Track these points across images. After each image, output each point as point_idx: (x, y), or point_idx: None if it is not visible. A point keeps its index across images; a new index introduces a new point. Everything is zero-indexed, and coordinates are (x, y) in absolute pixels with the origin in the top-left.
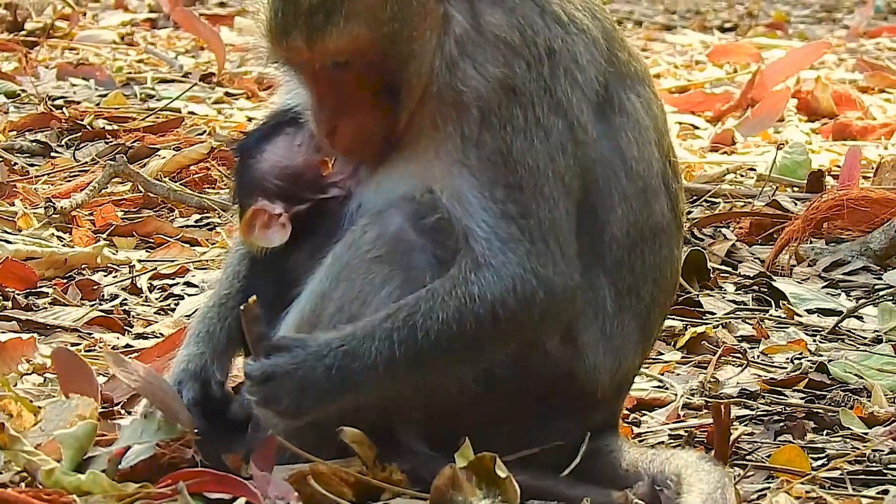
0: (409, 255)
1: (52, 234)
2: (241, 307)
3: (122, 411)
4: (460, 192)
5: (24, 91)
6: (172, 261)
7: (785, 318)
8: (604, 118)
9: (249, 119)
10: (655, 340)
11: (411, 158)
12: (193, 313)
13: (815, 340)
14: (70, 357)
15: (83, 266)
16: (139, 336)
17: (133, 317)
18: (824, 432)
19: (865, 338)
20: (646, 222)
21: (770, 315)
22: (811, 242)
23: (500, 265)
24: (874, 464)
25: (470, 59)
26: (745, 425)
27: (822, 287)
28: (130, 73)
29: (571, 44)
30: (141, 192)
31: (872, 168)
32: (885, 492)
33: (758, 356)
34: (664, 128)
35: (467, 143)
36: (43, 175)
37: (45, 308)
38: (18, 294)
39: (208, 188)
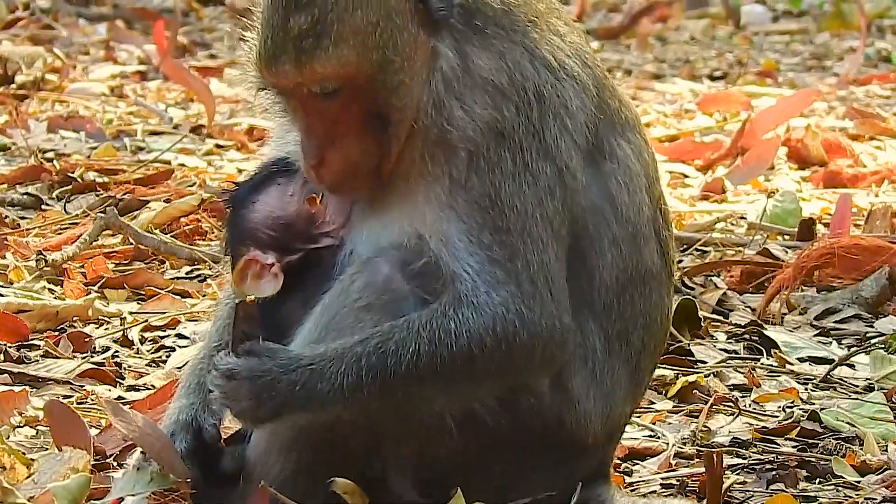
0: (399, 303)
1: (44, 286)
2: (237, 302)
3: (115, 464)
4: (448, 237)
5: (14, 144)
6: (163, 313)
7: (776, 366)
8: (594, 164)
9: (240, 170)
10: (646, 388)
11: (400, 202)
12: (184, 365)
13: (806, 389)
14: (62, 410)
15: (75, 318)
16: (131, 388)
17: (125, 369)
18: (817, 481)
19: (857, 386)
20: (635, 268)
21: (761, 363)
22: (802, 291)
23: (482, 304)
24: None
25: (457, 99)
26: (738, 474)
27: (814, 335)
28: (121, 125)
29: (561, 90)
30: (132, 244)
31: (863, 216)
32: None
33: (749, 405)
34: (655, 175)
35: (455, 185)
36: (34, 228)
37: (37, 361)
38: (10, 347)
39: (199, 240)
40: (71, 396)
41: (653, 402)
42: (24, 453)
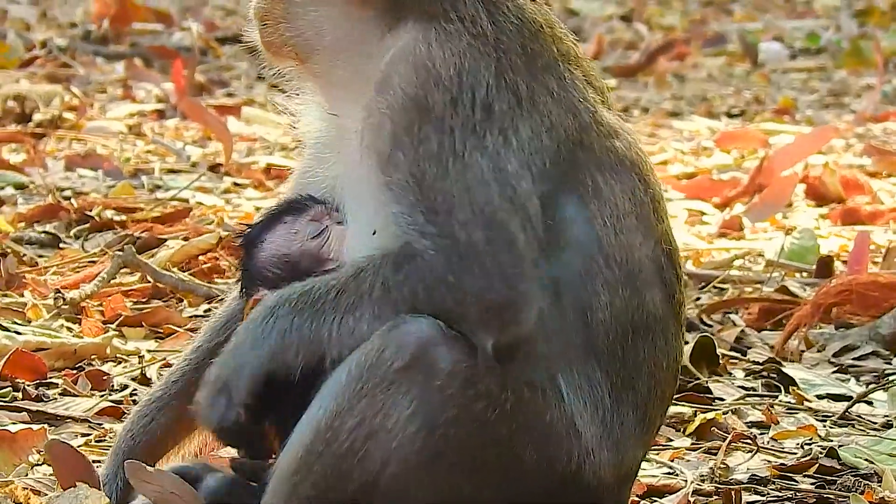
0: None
1: (62, 324)
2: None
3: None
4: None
5: (32, 182)
6: (181, 351)
7: (795, 403)
8: (573, 201)
9: (257, 209)
10: (658, 431)
11: (367, 188)
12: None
13: (825, 426)
14: (65, 449)
15: (93, 357)
16: None
17: None
18: None
19: (876, 423)
20: (637, 312)
21: (780, 401)
22: (820, 328)
23: (420, 253)
24: None
25: (397, 74)
26: None
27: (832, 372)
28: (138, 163)
29: (515, 117)
30: (150, 282)
31: (881, 253)
32: None
33: (768, 442)
34: (657, 215)
35: (386, 163)
36: (52, 266)
37: (55, 399)
38: (28, 385)
39: (217, 278)
40: (89, 435)
41: (671, 440)
42: (41, 492)
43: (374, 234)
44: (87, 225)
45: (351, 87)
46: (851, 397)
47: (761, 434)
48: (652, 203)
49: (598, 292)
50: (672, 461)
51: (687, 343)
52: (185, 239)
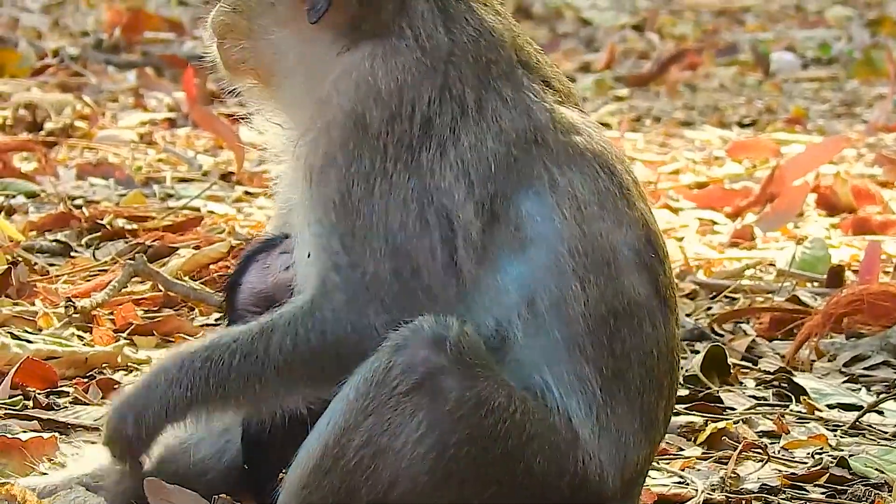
0: None
1: (73, 333)
2: None
3: None
4: (304, 240)
5: (43, 191)
6: None
7: (805, 413)
8: (529, 197)
9: (269, 217)
10: (665, 427)
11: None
12: None
13: (835, 435)
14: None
15: (104, 365)
16: None
17: None
18: None
19: (886, 432)
20: (615, 298)
21: (790, 410)
22: (831, 337)
23: (318, 308)
24: None
25: (337, 90)
26: None
27: (843, 382)
28: (150, 172)
29: (460, 128)
30: (161, 291)
31: (892, 263)
32: None
33: (778, 451)
34: (628, 201)
35: (314, 179)
36: (63, 275)
37: (66, 407)
38: (39, 393)
39: (216, 292)
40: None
41: (682, 449)
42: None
43: (308, 257)
44: (99, 233)
45: (304, 108)
46: (862, 407)
47: (772, 443)
48: (620, 190)
49: (569, 284)
50: (683, 470)
51: (698, 352)
52: (197, 248)
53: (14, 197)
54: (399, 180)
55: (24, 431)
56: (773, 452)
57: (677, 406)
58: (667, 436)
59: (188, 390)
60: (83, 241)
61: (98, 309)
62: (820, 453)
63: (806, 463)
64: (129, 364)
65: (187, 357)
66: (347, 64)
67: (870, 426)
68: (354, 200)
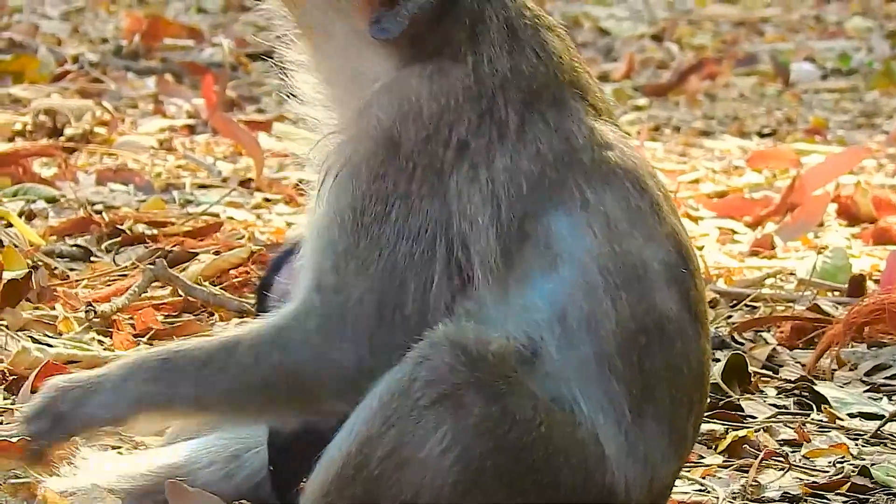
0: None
1: (93, 337)
2: None
3: None
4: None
5: (63, 196)
6: None
7: (827, 421)
8: (561, 217)
9: (288, 224)
10: (693, 441)
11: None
12: None
13: (857, 444)
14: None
15: None
16: None
17: None
18: None
19: None
20: (646, 315)
21: (812, 419)
22: (852, 346)
23: (291, 330)
24: None
25: (377, 103)
26: None
27: (864, 391)
28: (169, 178)
29: (495, 151)
30: (181, 296)
31: None
32: None
33: (800, 460)
34: (658, 217)
35: (329, 191)
36: (83, 279)
37: None
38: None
39: (248, 292)
40: (119, 447)
41: (702, 457)
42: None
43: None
44: (119, 239)
45: (340, 109)
46: (884, 416)
47: (793, 452)
48: (651, 206)
49: (600, 301)
50: (703, 478)
51: (718, 361)
52: (217, 253)
53: (34, 202)
54: (419, 205)
55: None
56: (795, 461)
57: None
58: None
59: (137, 386)
60: (103, 246)
61: (118, 313)
62: (841, 462)
63: (827, 472)
64: None
65: (150, 356)
66: (395, 78)
67: (891, 435)
68: (366, 221)
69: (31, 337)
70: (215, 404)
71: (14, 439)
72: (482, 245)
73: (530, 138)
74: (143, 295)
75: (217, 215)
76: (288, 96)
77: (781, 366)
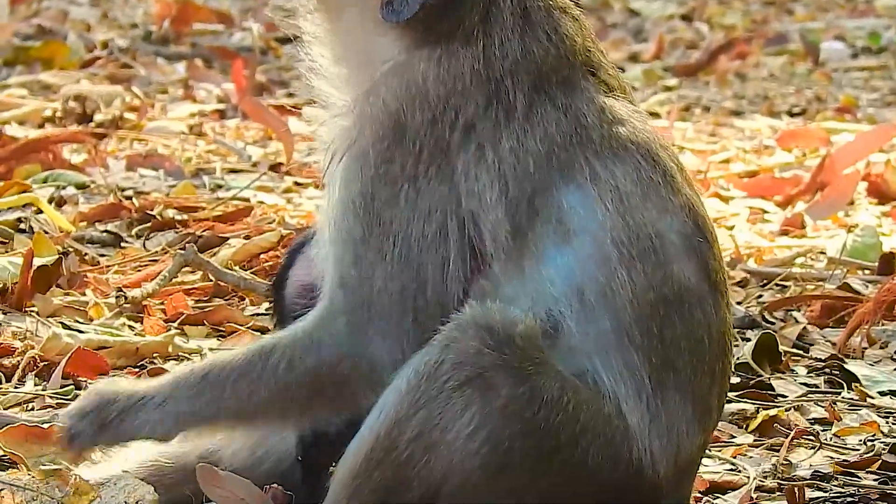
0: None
1: (124, 323)
2: None
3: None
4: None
5: (93, 182)
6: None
7: (857, 400)
8: (572, 191)
9: (318, 207)
10: (719, 414)
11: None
12: None
13: (888, 422)
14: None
15: (154, 355)
16: None
17: None
18: None
19: None
20: (663, 285)
21: (842, 397)
22: (883, 325)
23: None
24: None
25: (385, 84)
26: None
27: (895, 369)
28: (199, 163)
29: (502, 132)
30: (211, 280)
31: None
32: None
33: (830, 438)
34: (672, 188)
35: (342, 177)
36: (113, 265)
37: None
38: (91, 383)
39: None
40: None
41: (733, 436)
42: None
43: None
44: (149, 224)
45: (349, 88)
46: None
47: (824, 431)
48: (664, 178)
49: (615, 273)
50: (734, 458)
51: (749, 340)
52: (247, 238)
53: (64, 188)
54: (427, 187)
55: None
56: (825, 440)
57: (729, 394)
58: (719, 423)
59: (180, 405)
60: (133, 232)
61: (149, 299)
62: (872, 440)
63: (858, 450)
64: (180, 354)
65: (191, 374)
66: (404, 60)
67: None
68: (377, 205)
69: (61, 323)
70: (257, 414)
71: (46, 426)
72: (492, 222)
73: (538, 120)
74: (173, 280)
75: (247, 200)
76: (306, 71)
77: (812, 344)
